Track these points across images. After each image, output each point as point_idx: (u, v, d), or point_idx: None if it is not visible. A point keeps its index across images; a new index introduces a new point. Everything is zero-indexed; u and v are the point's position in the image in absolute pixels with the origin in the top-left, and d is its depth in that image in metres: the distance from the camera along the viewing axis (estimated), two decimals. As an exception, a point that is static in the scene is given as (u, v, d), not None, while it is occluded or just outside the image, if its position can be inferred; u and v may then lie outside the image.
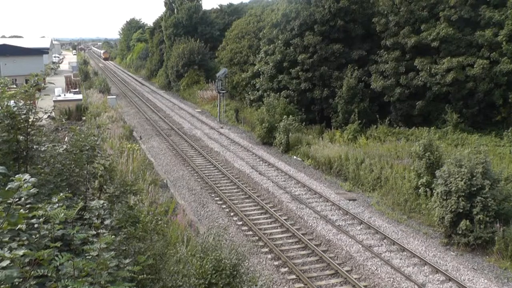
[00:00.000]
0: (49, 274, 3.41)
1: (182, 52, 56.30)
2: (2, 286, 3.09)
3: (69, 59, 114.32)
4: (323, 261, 15.70)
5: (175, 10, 64.00)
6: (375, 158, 23.93)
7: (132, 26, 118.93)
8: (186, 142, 33.69)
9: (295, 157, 29.03)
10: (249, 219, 19.01)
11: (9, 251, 3.34)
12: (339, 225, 18.28)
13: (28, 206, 3.94)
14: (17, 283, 3.20)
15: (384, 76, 30.60)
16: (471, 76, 26.51)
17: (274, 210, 20.26)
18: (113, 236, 4.21)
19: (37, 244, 3.77)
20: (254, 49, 43.27)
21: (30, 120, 6.60)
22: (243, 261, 11.20)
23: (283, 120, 29.93)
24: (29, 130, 6.54)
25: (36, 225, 3.98)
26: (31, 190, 3.85)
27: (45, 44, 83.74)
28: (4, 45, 64.28)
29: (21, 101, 6.84)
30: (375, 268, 14.82)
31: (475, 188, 16.49)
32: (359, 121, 30.41)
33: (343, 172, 24.84)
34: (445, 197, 17.05)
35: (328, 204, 20.71)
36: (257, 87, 39.40)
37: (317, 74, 33.30)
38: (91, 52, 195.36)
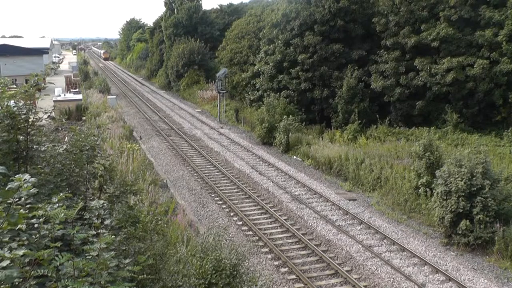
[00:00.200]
0: (49, 274, 3.41)
1: (182, 52, 56.31)
2: (2, 286, 3.09)
3: (69, 59, 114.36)
4: (323, 261, 15.70)
5: (175, 10, 64.00)
6: (375, 158, 23.93)
7: (132, 26, 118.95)
8: (186, 142, 33.69)
9: (295, 157, 29.02)
10: (249, 219, 19.01)
11: (9, 251, 3.34)
12: (339, 225, 18.28)
13: (28, 206, 3.94)
14: (17, 283, 3.20)
15: (384, 76, 30.61)
16: (471, 76, 26.52)
17: (274, 210, 20.26)
18: (113, 236, 4.21)
19: (37, 244, 3.77)
20: (254, 49, 43.26)
21: (30, 120, 6.59)
22: (243, 261, 11.20)
23: (283, 120, 29.93)
24: (29, 130, 6.54)
25: (36, 225, 3.98)
26: (31, 190, 3.85)
27: (45, 44, 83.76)
28: (4, 45, 64.34)
29: (21, 101, 6.84)
30: (375, 268, 14.82)
31: (475, 188, 16.49)
32: (359, 121, 30.42)
33: (343, 172, 24.84)
34: (445, 197, 17.05)
35: (328, 204, 20.72)
36: (257, 87, 39.40)
37: (317, 74, 33.31)
38: (91, 52, 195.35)
